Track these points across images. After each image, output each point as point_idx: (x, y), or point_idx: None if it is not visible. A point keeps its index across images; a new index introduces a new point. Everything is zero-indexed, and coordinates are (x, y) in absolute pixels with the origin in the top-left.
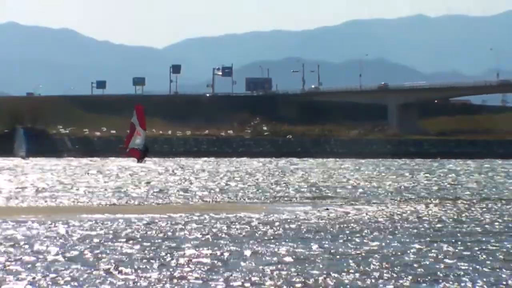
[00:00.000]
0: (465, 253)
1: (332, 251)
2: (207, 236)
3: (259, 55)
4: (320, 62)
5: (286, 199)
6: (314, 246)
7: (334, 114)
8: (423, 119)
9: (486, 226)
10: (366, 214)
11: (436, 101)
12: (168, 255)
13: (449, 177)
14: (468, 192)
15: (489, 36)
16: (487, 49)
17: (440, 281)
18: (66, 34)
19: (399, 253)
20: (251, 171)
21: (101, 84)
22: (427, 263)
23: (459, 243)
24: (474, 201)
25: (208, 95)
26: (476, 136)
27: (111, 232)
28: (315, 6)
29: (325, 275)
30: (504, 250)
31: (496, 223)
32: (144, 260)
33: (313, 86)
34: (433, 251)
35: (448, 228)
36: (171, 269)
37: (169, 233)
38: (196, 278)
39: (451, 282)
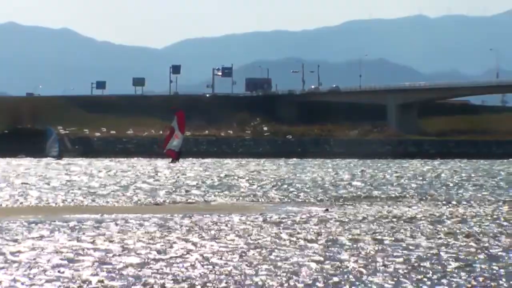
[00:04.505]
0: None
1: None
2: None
3: (259, 55)
4: (320, 62)
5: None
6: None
7: (334, 114)
8: (423, 119)
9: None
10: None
11: (436, 101)
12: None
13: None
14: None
15: (489, 36)
16: (487, 49)
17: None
18: (66, 34)
19: None
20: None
21: (101, 85)
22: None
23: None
24: None
25: (208, 95)
26: (476, 136)
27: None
28: (315, 6)
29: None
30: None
31: None
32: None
33: (313, 86)
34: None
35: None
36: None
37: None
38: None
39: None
